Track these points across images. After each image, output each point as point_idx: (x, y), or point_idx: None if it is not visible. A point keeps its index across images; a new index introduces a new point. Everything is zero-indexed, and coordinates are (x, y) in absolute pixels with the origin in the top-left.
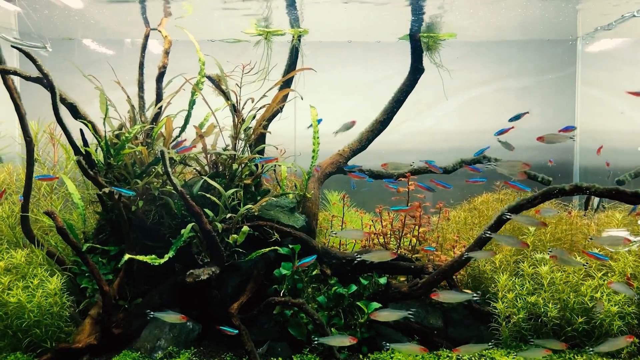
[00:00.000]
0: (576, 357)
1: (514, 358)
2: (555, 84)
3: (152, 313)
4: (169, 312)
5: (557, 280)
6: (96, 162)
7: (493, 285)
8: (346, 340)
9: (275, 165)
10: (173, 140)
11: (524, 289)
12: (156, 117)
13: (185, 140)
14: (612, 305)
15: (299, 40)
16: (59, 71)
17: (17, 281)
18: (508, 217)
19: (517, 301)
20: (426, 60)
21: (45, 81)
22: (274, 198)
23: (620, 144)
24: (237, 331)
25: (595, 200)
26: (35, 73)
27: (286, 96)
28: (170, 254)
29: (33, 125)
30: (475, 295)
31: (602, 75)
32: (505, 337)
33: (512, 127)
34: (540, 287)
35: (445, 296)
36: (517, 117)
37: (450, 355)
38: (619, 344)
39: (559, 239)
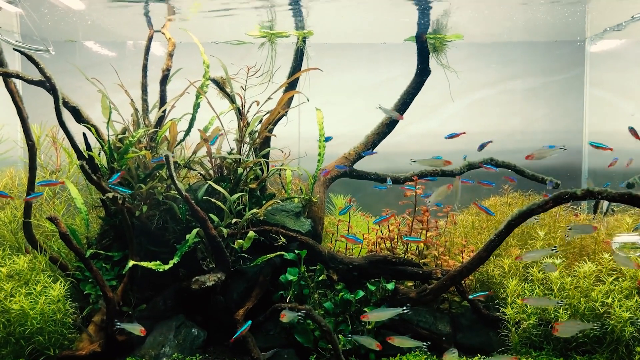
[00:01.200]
0: None
1: None
2: (562, 85)
3: (118, 323)
4: (135, 324)
5: (567, 285)
6: (99, 166)
7: (502, 290)
8: (374, 344)
9: (280, 169)
10: (177, 144)
11: (534, 294)
12: (160, 121)
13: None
14: (623, 311)
15: (304, 42)
16: (61, 74)
17: (20, 287)
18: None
19: (527, 307)
20: (432, 62)
21: (47, 84)
22: (279, 202)
23: (629, 146)
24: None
25: (605, 203)
26: (37, 76)
27: (291, 99)
28: (175, 259)
29: (35, 129)
30: (404, 308)
31: (610, 77)
32: (515, 343)
33: (491, 141)
34: (550, 292)
35: (375, 315)
36: (482, 147)
37: None
38: None
39: (569, 243)
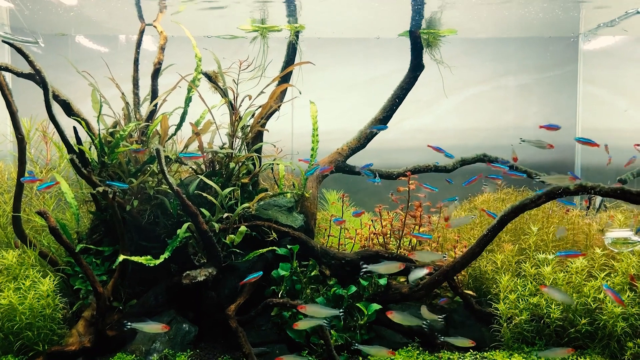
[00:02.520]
0: (579, 358)
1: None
2: (555, 81)
3: (129, 324)
4: (149, 322)
5: (559, 281)
6: (90, 160)
7: (495, 286)
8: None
9: (273, 163)
10: (168, 138)
11: (526, 289)
12: (151, 115)
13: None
14: (615, 307)
15: (296, 36)
16: (51, 68)
17: (9, 282)
18: None
19: (519, 302)
20: (426, 57)
21: (37, 77)
22: (271, 194)
23: (622, 142)
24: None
25: (597, 200)
26: (27, 69)
27: (284, 94)
28: (166, 254)
29: (25, 122)
30: (341, 311)
31: (604, 73)
32: (507, 339)
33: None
34: None
35: (312, 310)
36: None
37: (451, 357)
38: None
39: (561, 238)
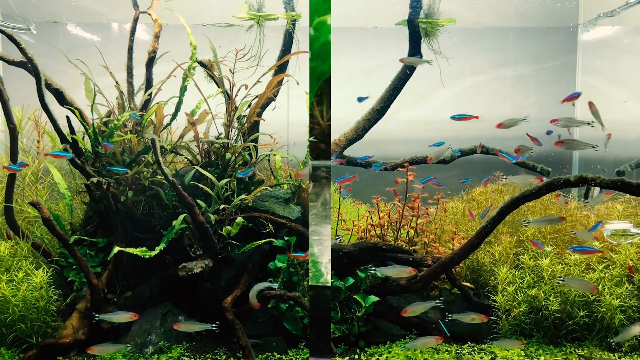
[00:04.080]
0: (577, 350)
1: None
2: (554, 72)
3: (97, 315)
4: (117, 312)
5: (558, 273)
6: (83, 150)
7: (492, 278)
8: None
9: (269, 154)
10: (163, 128)
11: (525, 282)
12: (146, 104)
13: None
14: (613, 299)
15: (293, 25)
16: (43, 56)
17: (1, 274)
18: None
19: (518, 294)
20: (424, 47)
21: (29, 65)
22: (268, 188)
23: (622, 134)
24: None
25: (596, 191)
26: (18, 57)
27: (281, 82)
28: (162, 246)
29: (17, 111)
30: (270, 280)
31: (603, 64)
32: (505, 331)
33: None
34: (540, 280)
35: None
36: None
37: (449, 349)
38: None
39: (559, 230)
